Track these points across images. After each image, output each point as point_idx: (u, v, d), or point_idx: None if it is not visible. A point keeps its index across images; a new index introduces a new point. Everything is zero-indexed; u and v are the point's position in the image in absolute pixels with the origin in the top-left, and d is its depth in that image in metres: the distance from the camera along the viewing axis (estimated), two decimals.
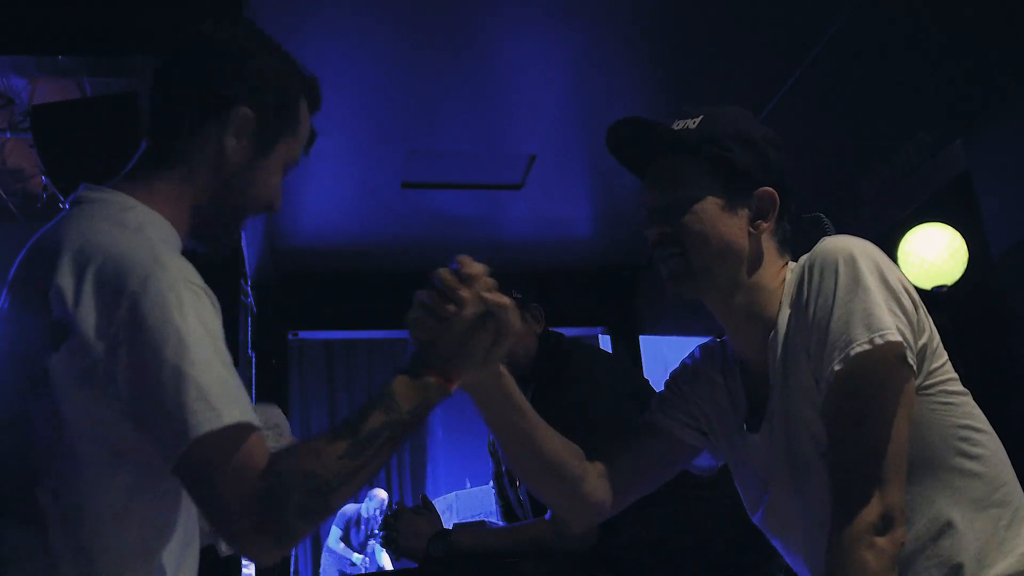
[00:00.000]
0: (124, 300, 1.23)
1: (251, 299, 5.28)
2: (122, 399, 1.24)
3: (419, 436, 10.49)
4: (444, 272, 1.47)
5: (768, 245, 1.58)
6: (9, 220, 5.26)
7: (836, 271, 1.44)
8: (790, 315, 1.53)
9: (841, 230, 1.81)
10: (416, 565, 2.54)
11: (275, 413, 2.26)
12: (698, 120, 1.61)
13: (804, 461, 1.51)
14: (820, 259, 1.47)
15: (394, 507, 2.65)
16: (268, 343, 5.46)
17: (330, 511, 1.28)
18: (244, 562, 3.18)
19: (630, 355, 5.92)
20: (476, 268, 1.47)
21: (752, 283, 1.57)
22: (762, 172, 1.57)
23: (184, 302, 1.24)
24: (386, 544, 2.59)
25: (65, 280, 1.26)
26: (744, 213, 1.56)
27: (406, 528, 2.53)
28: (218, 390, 1.21)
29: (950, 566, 1.42)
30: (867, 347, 1.38)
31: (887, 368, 1.40)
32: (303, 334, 5.87)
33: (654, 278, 6.26)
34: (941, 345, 1.52)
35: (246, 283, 4.97)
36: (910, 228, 4.38)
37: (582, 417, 2.44)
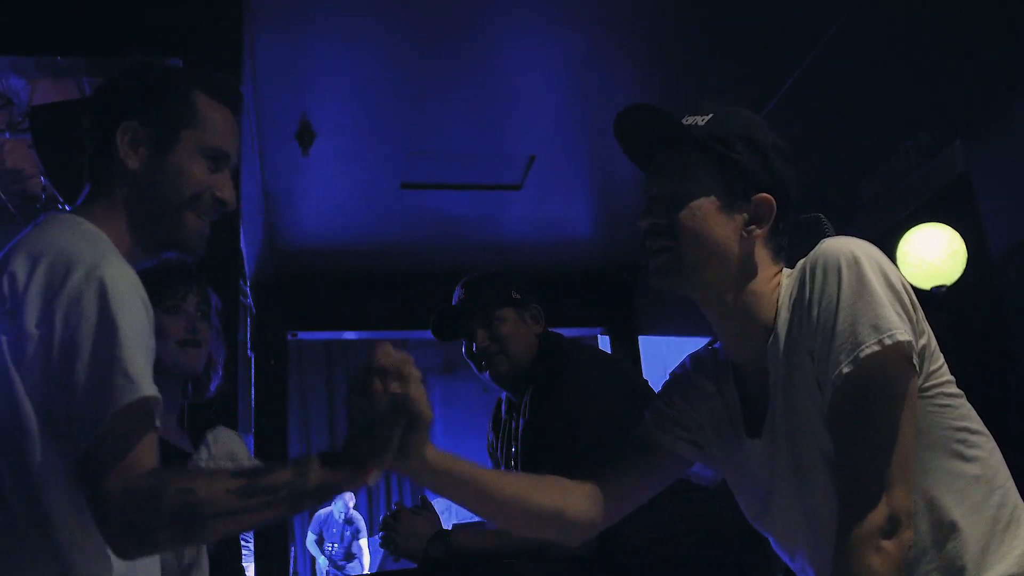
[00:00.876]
0: (67, 287, 1.36)
1: (250, 299, 5.28)
2: (55, 376, 1.34)
3: None
4: (365, 361, 1.43)
5: (761, 252, 1.57)
6: (8, 221, 5.26)
7: (839, 272, 1.43)
8: (790, 318, 1.51)
9: (840, 230, 1.81)
10: (415, 565, 2.54)
11: (231, 439, 2.27)
12: (708, 118, 1.59)
13: (809, 465, 1.50)
14: (822, 261, 1.46)
15: (393, 507, 2.65)
16: (267, 344, 5.46)
17: (197, 536, 1.36)
18: (243, 563, 3.18)
19: (629, 356, 5.92)
20: (389, 359, 1.42)
21: (742, 286, 1.56)
22: (764, 178, 1.56)
23: (122, 294, 1.37)
24: (385, 544, 2.59)
25: (19, 270, 1.40)
26: (740, 216, 1.55)
27: (405, 528, 2.52)
28: (139, 373, 1.33)
29: (952, 569, 1.42)
30: (876, 348, 1.37)
31: (895, 369, 1.39)
32: (302, 334, 5.87)
33: None
34: (937, 347, 1.51)
35: (245, 283, 4.98)
36: (909, 229, 4.38)
37: (581, 417, 2.44)
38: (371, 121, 4.29)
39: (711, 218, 1.53)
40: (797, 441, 1.51)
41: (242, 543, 2.91)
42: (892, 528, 1.35)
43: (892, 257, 4.41)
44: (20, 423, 1.36)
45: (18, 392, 1.36)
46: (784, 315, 1.52)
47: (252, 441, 5.31)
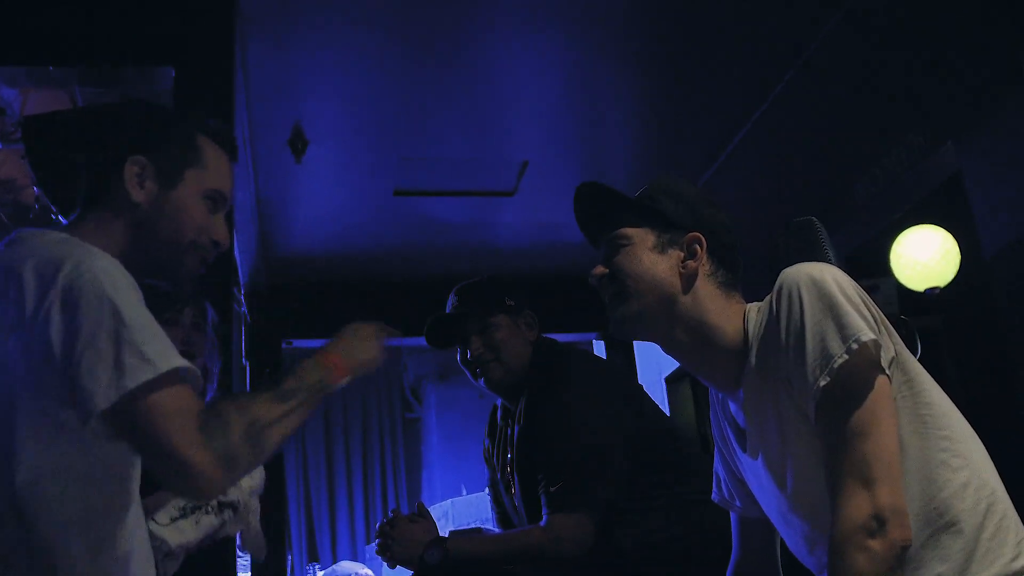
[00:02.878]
0: (60, 278, 1.38)
1: (244, 308, 5.28)
2: (56, 365, 1.35)
3: (415, 443, 10.49)
4: None
5: (706, 286, 1.67)
6: (1, 231, 5.25)
7: (800, 294, 1.50)
8: (760, 346, 1.59)
9: (834, 232, 1.82)
10: (412, 572, 2.54)
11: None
12: (640, 191, 1.78)
13: (792, 481, 1.56)
14: (784, 287, 1.54)
15: (389, 514, 2.64)
16: (262, 352, 5.46)
17: (269, 445, 1.43)
18: (240, 563, 3.18)
19: (624, 361, 5.92)
20: None
21: (695, 320, 1.66)
22: (690, 221, 1.70)
23: (117, 280, 1.41)
24: (381, 552, 2.58)
25: (19, 278, 1.42)
26: (674, 253, 1.69)
27: (401, 535, 2.52)
28: (151, 346, 1.36)
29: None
30: (846, 357, 1.43)
31: (867, 371, 1.45)
32: (297, 342, 5.86)
33: None
34: (910, 360, 1.54)
35: (239, 292, 4.97)
36: (903, 230, 4.39)
37: (575, 423, 2.44)
38: (364, 128, 4.30)
39: (645, 257, 1.70)
40: (773, 456, 1.59)
41: (237, 553, 2.90)
42: (878, 526, 1.35)
43: (886, 259, 4.43)
44: (11, 419, 1.38)
45: (15, 388, 1.38)
46: (756, 344, 1.60)
47: None
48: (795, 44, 3.84)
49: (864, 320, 1.45)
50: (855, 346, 1.42)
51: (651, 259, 1.69)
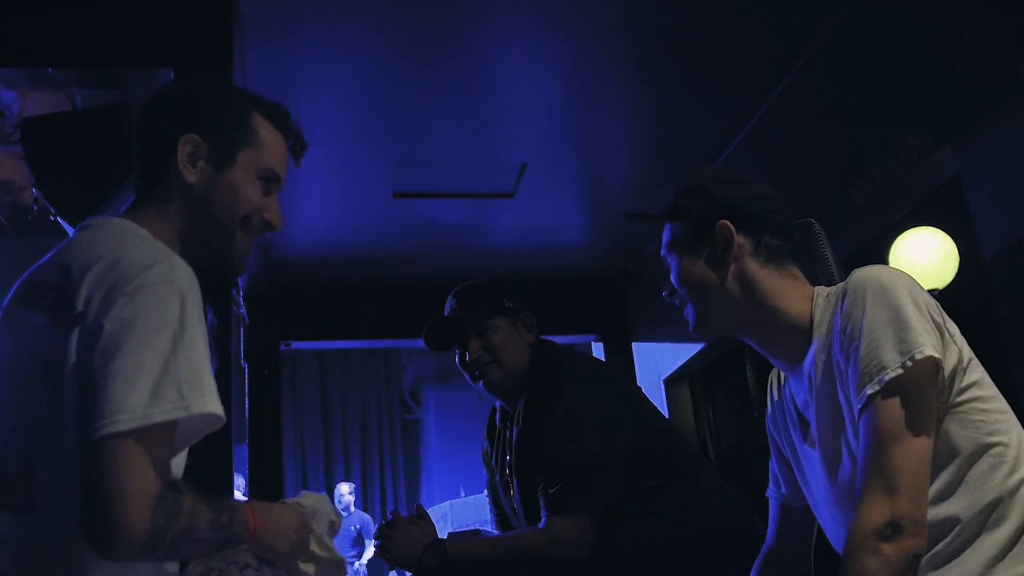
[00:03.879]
0: (139, 279, 1.35)
1: (243, 310, 5.28)
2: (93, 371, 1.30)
3: (414, 445, 10.49)
4: None
5: (753, 266, 1.70)
6: (0, 233, 5.25)
7: (866, 299, 1.52)
8: (823, 338, 1.61)
9: (832, 235, 1.83)
10: (410, 574, 2.54)
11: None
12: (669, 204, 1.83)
13: (841, 468, 1.59)
14: (852, 289, 1.56)
15: (388, 516, 2.64)
16: (261, 354, 5.46)
17: (180, 553, 1.36)
18: None
19: (623, 363, 5.92)
20: None
21: (750, 303, 1.69)
22: (714, 211, 1.73)
23: (187, 300, 1.36)
24: (380, 553, 2.58)
25: (75, 266, 1.40)
26: (708, 251, 1.72)
27: (400, 537, 2.52)
28: (197, 384, 1.33)
29: None
30: (900, 371, 1.45)
31: (915, 386, 1.46)
32: (296, 344, 5.87)
33: (646, 285, 6.28)
34: (974, 361, 1.57)
35: (238, 294, 4.97)
36: (901, 232, 4.39)
37: (574, 425, 2.44)
38: (363, 130, 4.30)
39: (690, 266, 1.74)
40: (828, 447, 1.61)
41: None
42: (893, 533, 1.36)
43: (884, 261, 4.43)
44: (62, 431, 1.34)
45: (64, 399, 1.34)
46: (819, 334, 1.63)
47: (246, 451, 5.31)
48: (794, 46, 3.84)
49: (928, 334, 1.47)
50: (910, 363, 1.45)
51: (692, 264, 1.73)
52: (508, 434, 2.68)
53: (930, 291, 4.26)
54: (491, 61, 3.89)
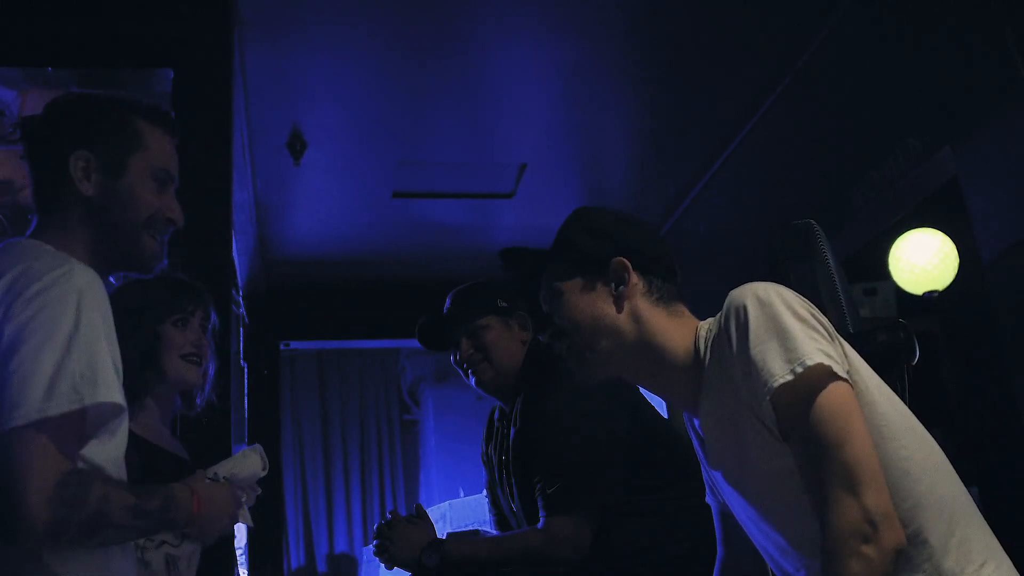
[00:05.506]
0: (36, 285, 1.42)
1: (242, 310, 5.28)
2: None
3: (412, 445, 10.48)
4: None
5: (645, 306, 1.67)
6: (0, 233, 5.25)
7: (747, 313, 1.49)
8: (711, 365, 1.58)
9: (832, 236, 1.82)
10: (409, 574, 2.53)
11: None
12: (557, 235, 1.80)
13: (756, 499, 1.57)
14: (731, 307, 1.53)
15: (387, 516, 2.64)
16: (260, 354, 5.46)
17: (93, 539, 1.42)
18: (239, 562, 3.17)
19: None
20: None
21: (641, 343, 1.66)
22: (610, 249, 1.70)
23: (84, 299, 1.44)
24: (379, 553, 2.58)
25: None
26: (603, 287, 1.69)
27: (399, 537, 2.52)
28: (91, 377, 1.40)
29: None
30: (789, 378, 1.42)
31: (824, 382, 1.42)
32: (295, 344, 5.87)
33: None
34: (864, 371, 1.52)
35: (237, 294, 4.97)
36: (900, 234, 4.40)
37: (569, 424, 2.44)
38: (362, 130, 4.30)
39: (579, 300, 1.70)
40: (732, 473, 1.60)
41: (237, 549, 2.90)
42: (871, 530, 1.33)
43: (884, 262, 4.43)
44: None
45: None
46: (708, 362, 1.60)
47: None
48: (793, 48, 3.84)
49: (813, 341, 1.44)
50: (800, 369, 1.41)
51: (585, 301, 1.69)
52: (505, 434, 2.68)
53: (930, 292, 4.29)
54: (491, 62, 3.89)
